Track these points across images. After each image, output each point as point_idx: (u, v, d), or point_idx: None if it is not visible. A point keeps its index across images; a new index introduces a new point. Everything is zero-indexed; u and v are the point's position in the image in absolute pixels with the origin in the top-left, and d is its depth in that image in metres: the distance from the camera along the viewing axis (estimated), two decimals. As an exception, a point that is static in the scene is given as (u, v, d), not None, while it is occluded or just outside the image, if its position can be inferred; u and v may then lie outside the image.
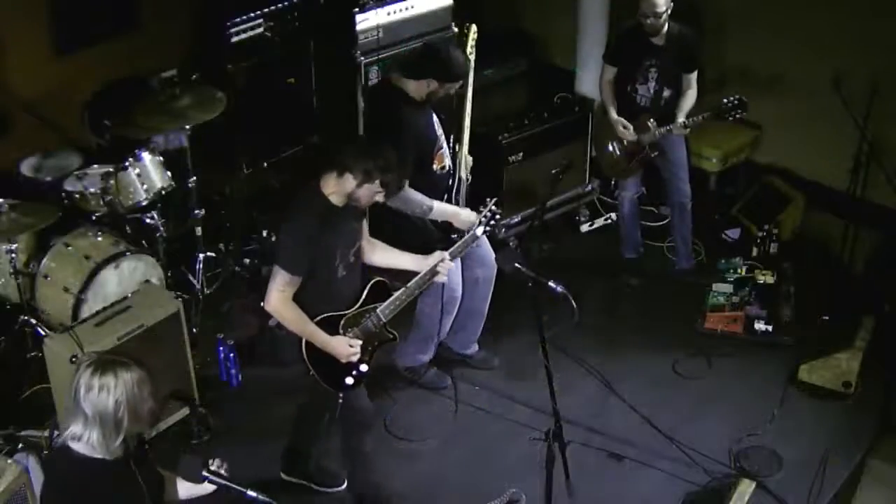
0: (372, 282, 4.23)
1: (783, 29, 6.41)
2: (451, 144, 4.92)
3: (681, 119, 5.63)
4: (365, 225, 4.31)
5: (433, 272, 4.27)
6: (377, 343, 4.26)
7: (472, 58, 4.97)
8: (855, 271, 6.17)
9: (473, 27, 5.01)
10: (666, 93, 5.71)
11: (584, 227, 6.73)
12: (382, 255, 4.39)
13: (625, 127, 5.76)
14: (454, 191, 4.95)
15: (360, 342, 4.16)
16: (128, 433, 3.06)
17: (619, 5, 7.00)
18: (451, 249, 4.30)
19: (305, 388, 4.43)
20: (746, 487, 4.48)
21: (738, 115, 5.62)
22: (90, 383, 2.99)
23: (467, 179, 4.98)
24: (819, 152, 6.47)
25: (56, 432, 4.67)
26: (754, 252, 6.29)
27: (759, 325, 5.66)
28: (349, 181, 3.93)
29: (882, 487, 5.05)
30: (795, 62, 6.39)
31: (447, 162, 4.85)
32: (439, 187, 4.81)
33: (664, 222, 6.55)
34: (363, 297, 4.20)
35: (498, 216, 4.38)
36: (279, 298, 3.99)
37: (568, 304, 3.82)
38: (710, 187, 6.76)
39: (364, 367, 4.19)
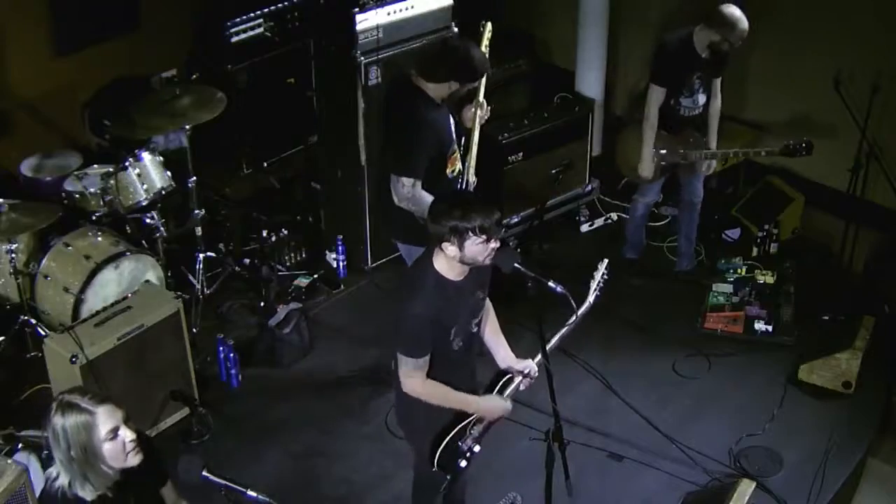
0: (505, 378, 3.97)
1: (783, 29, 6.41)
2: (461, 147, 4.89)
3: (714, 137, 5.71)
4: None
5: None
6: (491, 425, 4.05)
7: (486, 56, 4.87)
8: (855, 271, 6.17)
9: (489, 25, 4.95)
10: (703, 100, 5.64)
11: (584, 227, 6.73)
12: (487, 335, 4.07)
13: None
14: None
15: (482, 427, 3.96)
16: (100, 473, 2.98)
17: (619, 6, 7.02)
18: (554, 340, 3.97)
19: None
20: (746, 487, 4.48)
21: (802, 155, 5.57)
22: (48, 424, 2.94)
23: (475, 182, 4.98)
24: (819, 152, 6.46)
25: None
26: (754, 252, 6.29)
27: (759, 325, 5.67)
28: (451, 249, 3.58)
29: (882, 487, 5.06)
30: (795, 62, 6.39)
31: (458, 165, 4.82)
32: (448, 190, 4.79)
33: (664, 222, 6.56)
34: (496, 389, 3.95)
35: (606, 277, 4.10)
36: (416, 383, 3.75)
37: (568, 304, 3.81)
38: (711, 187, 6.75)
39: (477, 448, 3.97)
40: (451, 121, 4.75)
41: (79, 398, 2.95)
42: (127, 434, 2.98)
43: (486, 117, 4.90)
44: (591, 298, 4.03)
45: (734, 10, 5.27)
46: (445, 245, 3.59)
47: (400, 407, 4.05)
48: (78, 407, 2.92)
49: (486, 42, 4.91)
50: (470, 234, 3.55)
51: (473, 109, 4.85)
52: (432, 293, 3.65)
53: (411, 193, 4.55)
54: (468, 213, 3.55)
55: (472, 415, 3.91)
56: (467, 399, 3.86)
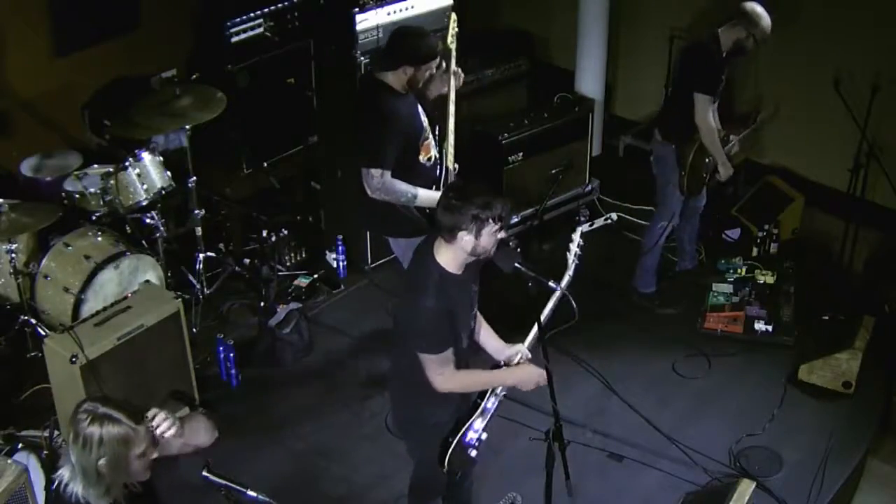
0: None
1: (784, 29, 6.40)
2: (436, 135, 4.95)
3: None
4: None
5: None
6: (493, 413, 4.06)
7: (454, 46, 4.95)
8: (855, 271, 6.17)
9: (453, 15, 5.02)
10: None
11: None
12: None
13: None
14: (441, 181, 4.96)
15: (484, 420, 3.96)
16: (119, 485, 2.98)
17: (619, 6, 7.02)
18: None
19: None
20: (746, 487, 4.48)
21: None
22: (78, 431, 2.91)
23: (454, 169, 5.00)
24: (819, 152, 6.48)
25: (56, 432, 4.67)
26: (754, 252, 6.29)
27: (759, 325, 5.67)
28: (466, 239, 3.56)
29: (882, 488, 5.06)
30: (796, 62, 6.40)
31: (433, 153, 4.88)
32: (427, 178, 4.85)
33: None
34: (487, 394, 3.94)
35: (582, 244, 4.07)
36: (445, 379, 3.70)
37: (568, 304, 3.81)
38: (711, 187, 6.74)
39: (485, 436, 3.98)
40: (420, 109, 4.81)
41: (117, 413, 2.93)
42: (153, 453, 3.01)
43: (460, 83, 4.94)
44: (570, 272, 4.00)
45: (757, 6, 5.30)
46: (461, 234, 3.56)
47: (399, 412, 4.01)
48: (119, 422, 2.92)
49: (452, 32, 4.95)
50: (490, 222, 3.55)
51: (449, 77, 4.88)
52: (440, 286, 3.61)
53: (381, 184, 4.64)
54: (489, 201, 3.55)
55: (473, 414, 3.91)
56: (501, 375, 3.86)
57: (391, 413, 4.04)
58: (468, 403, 3.96)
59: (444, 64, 4.86)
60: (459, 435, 3.88)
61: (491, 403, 3.94)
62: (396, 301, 3.89)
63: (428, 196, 4.73)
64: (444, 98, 4.92)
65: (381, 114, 4.66)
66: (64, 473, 3.00)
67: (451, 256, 3.64)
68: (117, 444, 2.91)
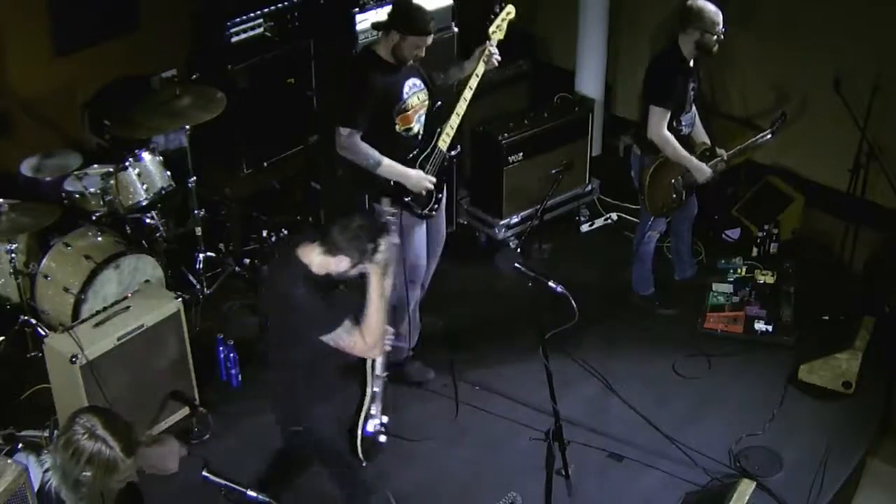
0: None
1: (783, 29, 6.41)
2: (431, 110, 4.98)
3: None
4: None
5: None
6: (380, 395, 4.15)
7: (496, 37, 4.97)
8: (855, 271, 6.17)
9: (510, 7, 5.01)
10: (694, 112, 5.55)
11: (584, 227, 6.73)
12: None
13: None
14: (427, 160, 4.94)
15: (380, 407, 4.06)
16: (95, 497, 2.99)
17: (619, 6, 7.02)
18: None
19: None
20: (746, 487, 4.48)
21: (782, 124, 5.70)
22: (70, 440, 2.92)
23: (448, 153, 5.00)
24: (819, 152, 6.48)
25: (56, 432, 4.68)
26: (754, 252, 6.29)
27: (759, 325, 5.66)
28: (343, 263, 3.71)
29: (882, 487, 5.06)
30: (795, 62, 6.40)
31: (416, 127, 4.90)
32: (401, 149, 4.88)
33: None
34: (368, 381, 4.03)
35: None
36: (365, 342, 3.77)
37: (568, 304, 3.81)
38: (710, 187, 6.75)
39: (386, 419, 4.10)
40: (410, 81, 4.86)
41: (113, 440, 2.93)
42: (132, 478, 3.02)
43: (493, 64, 4.99)
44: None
45: (697, 1, 5.22)
46: (341, 257, 3.67)
47: (290, 424, 4.01)
48: (112, 450, 2.92)
49: (497, 24, 4.99)
50: (363, 263, 3.69)
51: (486, 51, 4.94)
52: (307, 279, 3.69)
53: (347, 143, 4.76)
54: (377, 246, 3.69)
55: (363, 402, 3.97)
56: (375, 292, 3.83)
57: (281, 429, 4.07)
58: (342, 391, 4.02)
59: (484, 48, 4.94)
60: (361, 427, 3.97)
61: (378, 387, 4.01)
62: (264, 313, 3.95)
63: (391, 167, 4.81)
64: (462, 84, 4.97)
65: (356, 78, 4.80)
66: (47, 460, 3.02)
67: (318, 263, 3.71)
68: (103, 469, 2.92)
